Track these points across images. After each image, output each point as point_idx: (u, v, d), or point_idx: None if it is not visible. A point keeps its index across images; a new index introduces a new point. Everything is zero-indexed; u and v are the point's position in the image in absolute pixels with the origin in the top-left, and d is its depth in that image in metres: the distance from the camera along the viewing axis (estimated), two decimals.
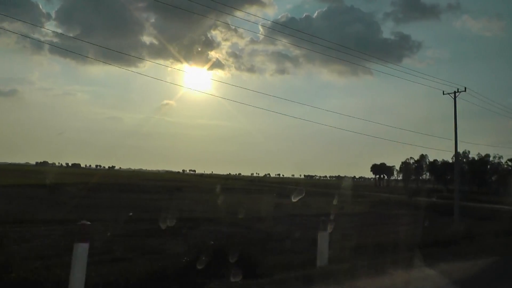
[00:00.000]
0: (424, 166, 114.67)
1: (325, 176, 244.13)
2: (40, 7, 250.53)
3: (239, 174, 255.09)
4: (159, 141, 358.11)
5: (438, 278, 8.14)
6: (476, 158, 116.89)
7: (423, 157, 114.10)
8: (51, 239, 11.67)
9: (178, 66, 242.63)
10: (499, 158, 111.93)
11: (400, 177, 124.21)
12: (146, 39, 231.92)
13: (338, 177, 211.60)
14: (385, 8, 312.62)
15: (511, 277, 9.32)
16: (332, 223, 8.57)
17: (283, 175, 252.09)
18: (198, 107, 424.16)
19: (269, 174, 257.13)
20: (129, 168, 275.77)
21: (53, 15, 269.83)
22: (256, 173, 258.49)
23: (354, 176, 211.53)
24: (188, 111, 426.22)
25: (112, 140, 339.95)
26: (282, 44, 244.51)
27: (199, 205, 27.29)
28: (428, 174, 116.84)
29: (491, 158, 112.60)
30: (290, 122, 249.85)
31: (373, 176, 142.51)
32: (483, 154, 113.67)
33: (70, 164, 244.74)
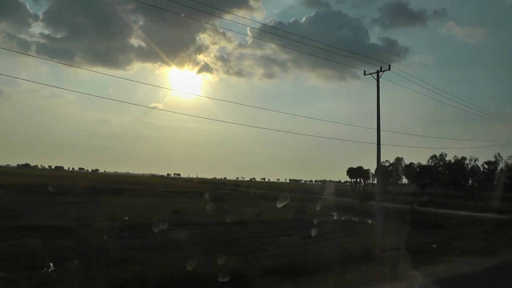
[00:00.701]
0: (400, 169, 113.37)
1: (311, 181, 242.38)
2: (28, 7, 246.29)
3: (225, 178, 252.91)
4: (147, 145, 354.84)
5: None
6: (452, 161, 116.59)
7: (398, 160, 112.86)
8: None
9: (166, 69, 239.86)
10: (475, 161, 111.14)
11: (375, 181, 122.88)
12: (134, 41, 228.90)
13: (324, 181, 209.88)
14: (373, 14, 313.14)
15: None
16: None
17: (268, 179, 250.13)
18: (187, 110, 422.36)
19: (254, 178, 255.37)
20: (116, 172, 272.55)
21: (41, 16, 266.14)
22: (242, 177, 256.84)
23: (340, 180, 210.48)
24: (177, 114, 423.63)
25: (99, 142, 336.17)
26: (270, 48, 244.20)
27: (94, 210, 25.73)
28: (404, 177, 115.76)
29: (467, 161, 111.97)
30: (278, 125, 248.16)
31: (350, 180, 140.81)
32: (459, 157, 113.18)
33: (53, 167, 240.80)
